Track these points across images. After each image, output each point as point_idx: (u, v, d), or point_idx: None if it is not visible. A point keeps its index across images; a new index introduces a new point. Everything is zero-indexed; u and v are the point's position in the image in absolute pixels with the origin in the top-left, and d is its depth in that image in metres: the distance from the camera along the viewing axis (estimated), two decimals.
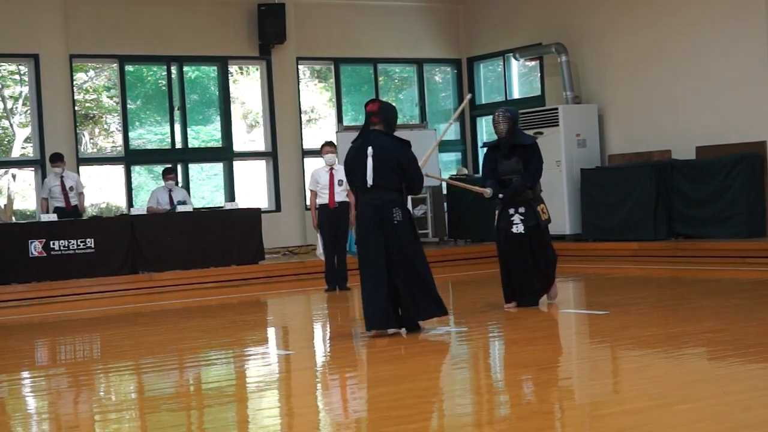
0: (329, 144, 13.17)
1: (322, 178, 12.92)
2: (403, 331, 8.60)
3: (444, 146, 19.10)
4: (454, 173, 19.20)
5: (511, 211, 9.74)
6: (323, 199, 12.87)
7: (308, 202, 13.58)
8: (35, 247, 14.17)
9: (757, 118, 15.04)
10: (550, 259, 9.87)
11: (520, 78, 19.60)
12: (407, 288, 8.52)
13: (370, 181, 8.50)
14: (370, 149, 8.53)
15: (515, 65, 19.36)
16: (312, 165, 16.77)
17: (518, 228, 9.69)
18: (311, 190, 13.16)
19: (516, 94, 19.37)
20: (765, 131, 14.93)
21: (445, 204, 19.04)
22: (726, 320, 8.58)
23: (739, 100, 15.31)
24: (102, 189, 18.76)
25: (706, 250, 14.36)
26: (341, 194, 12.85)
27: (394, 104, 9.33)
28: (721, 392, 5.77)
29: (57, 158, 15.09)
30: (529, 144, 9.91)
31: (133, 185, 17.70)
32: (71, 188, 15.03)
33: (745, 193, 14.71)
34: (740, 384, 6.01)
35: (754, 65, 15.10)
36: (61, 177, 15.02)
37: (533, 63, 18.98)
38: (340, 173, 12.87)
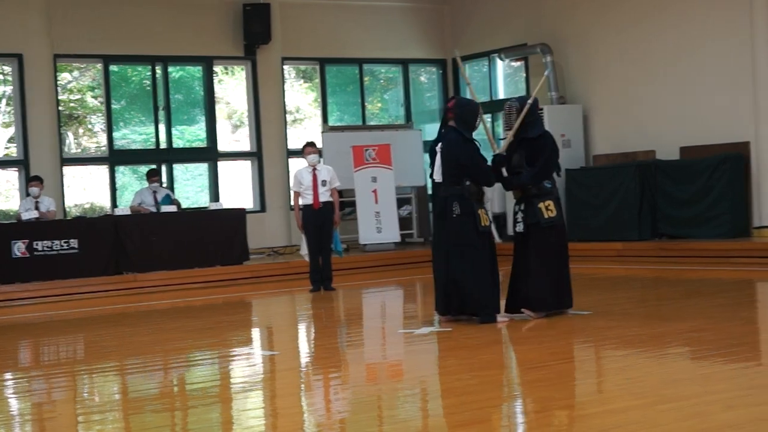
0: (311, 144, 13.16)
1: (305, 178, 12.90)
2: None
3: None
4: None
5: (516, 208, 9.19)
6: (307, 199, 12.85)
7: (293, 203, 13.57)
8: (18, 248, 14.12)
9: (740, 118, 15.09)
10: (552, 264, 9.03)
11: (505, 78, 19.63)
12: (464, 281, 8.86)
13: (437, 177, 8.97)
14: (439, 146, 9.00)
15: (500, 65, 19.38)
16: (297, 165, 16.77)
17: (519, 227, 9.12)
18: (294, 191, 13.14)
19: (501, 95, 19.39)
20: (748, 132, 14.98)
21: (430, 204, 19.04)
22: (709, 320, 8.61)
23: (722, 100, 15.36)
24: (86, 189, 18.70)
25: (690, 250, 14.40)
26: (325, 194, 12.84)
27: (472, 100, 9.41)
28: (704, 392, 5.79)
29: (34, 179, 15.00)
30: (534, 137, 9.12)
31: (117, 185, 17.66)
32: (46, 211, 14.90)
33: (728, 194, 14.75)
34: (723, 383, 6.03)
35: (738, 66, 15.15)
36: (36, 201, 14.90)
37: (518, 63, 19.01)
38: (323, 173, 12.88)
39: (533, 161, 9.07)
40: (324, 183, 12.84)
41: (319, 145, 16.13)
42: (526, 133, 9.13)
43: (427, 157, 18.53)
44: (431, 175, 9.13)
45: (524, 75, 18.81)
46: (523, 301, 9.12)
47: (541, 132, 9.21)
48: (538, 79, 18.05)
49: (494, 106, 18.18)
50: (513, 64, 19.20)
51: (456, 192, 8.87)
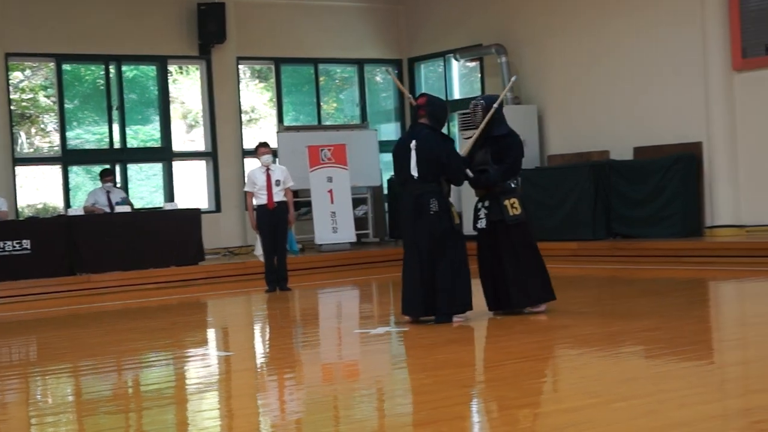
0: (264, 145, 13.15)
1: (259, 179, 12.86)
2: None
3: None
4: None
5: (479, 205, 9.19)
6: (261, 199, 12.82)
7: (247, 204, 13.52)
8: None
9: (693, 119, 15.24)
10: (523, 263, 9.07)
11: (460, 78, 19.69)
12: (442, 278, 8.76)
13: (414, 173, 8.80)
14: (413, 143, 8.86)
15: (456, 66, 19.45)
16: (252, 165, 16.71)
17: (481, 223, 9.10)
18: (247, 192, 13.09)
19: (457, 95, 19.46)
20: (701, 132, 15.14)
21: (386, 204, 19.07)
22: (662, 319, 8.69)
23: (675, 101, 15.51)
24: (39, 189, 18.51)
25: (643, 250, 14.53)
26: (279, 194, 12.82)
27: (443, 99, 9.52)
28: (657, 390, 5.84)
29: None
30: (501, 135, 9.18)
31: (70, 186, 17.49)
32: None
33: (681, 194, 14.90)
34: (675, 382, 6.08)
35: (691, 67, 15.30)
36: None
37: (474, 64, 19.08)
38: (276, 173, 12.86)
39: (499, 159, 9.10)
40: (278, 183, 12.82)
41: (274, 144, 16.09)
42: (492, 132, 9.16)
43: (384, 156, 18.61)
44: (409, 173, 8.82)
45: (479, 75, 18.87)
46: (513, 301, 9.08)
47: (507, 131, 9.28)
48: (494, 79, 18.16)
49: (450, 106, 18.21)
50: (468, 64, 19.27)
51: (433, 189, 8.82)
